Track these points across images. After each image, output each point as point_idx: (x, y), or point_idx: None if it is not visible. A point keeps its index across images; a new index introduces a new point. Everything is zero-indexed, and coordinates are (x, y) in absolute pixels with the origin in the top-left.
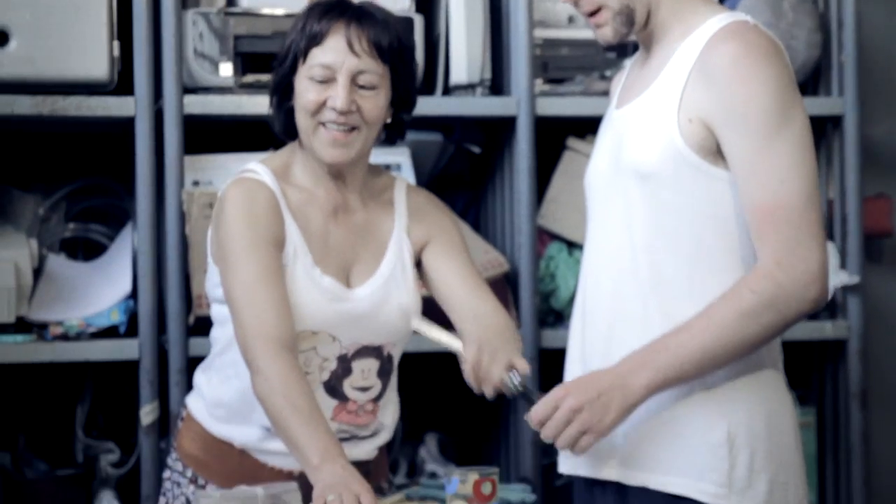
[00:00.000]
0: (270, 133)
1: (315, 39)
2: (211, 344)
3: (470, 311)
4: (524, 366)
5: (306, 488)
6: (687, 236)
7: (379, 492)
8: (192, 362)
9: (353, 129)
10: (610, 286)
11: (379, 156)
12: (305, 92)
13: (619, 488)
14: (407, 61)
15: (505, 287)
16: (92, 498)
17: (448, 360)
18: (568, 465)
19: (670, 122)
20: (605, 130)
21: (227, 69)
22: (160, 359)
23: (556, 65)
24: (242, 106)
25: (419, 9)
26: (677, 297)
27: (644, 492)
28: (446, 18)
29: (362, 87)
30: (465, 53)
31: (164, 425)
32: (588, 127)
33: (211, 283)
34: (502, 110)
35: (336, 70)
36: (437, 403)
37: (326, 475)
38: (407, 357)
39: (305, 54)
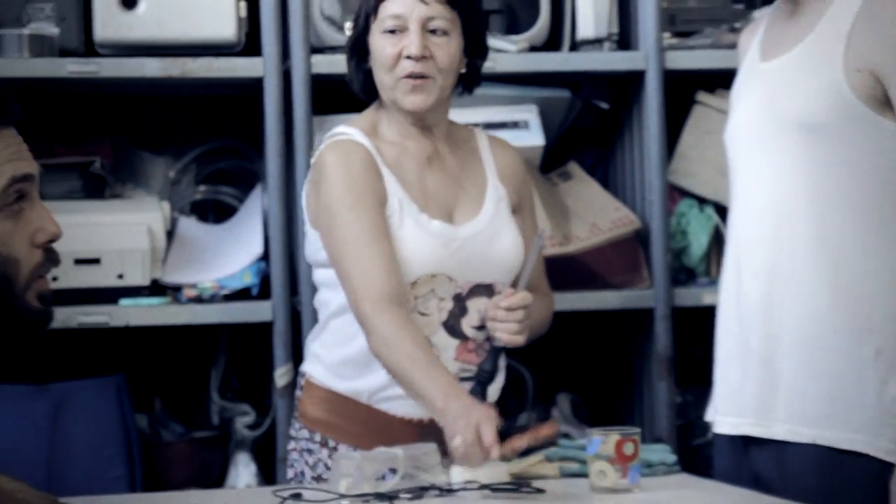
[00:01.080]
0: None
1: None
2: (317, 308)
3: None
4: None
5: (436, 436)
6: (853, 188)
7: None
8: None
9: (427, 77)
10: (768, 241)
11: (506, 113)
12: (381, 48)
13: (779, 447)
14: (475, 7)
15: (636, 245)
16: (228, 460)
17: (579, 320)
18: (728, 424)
19: (836, 73)
20: (749, 84)
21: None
22: (293, 320)
23: (684, 17)
24: None
25: None
26: (846, 249)
27: (811, 449)
28: None
29: (433, 32)
30: (591, 8)
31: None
32: (717, 80)
33: (312, 248)
34: (630, 65)
35: (407, 18)
36: (569, 364)
37: (451, 414)
38: None
39: (376, 10)
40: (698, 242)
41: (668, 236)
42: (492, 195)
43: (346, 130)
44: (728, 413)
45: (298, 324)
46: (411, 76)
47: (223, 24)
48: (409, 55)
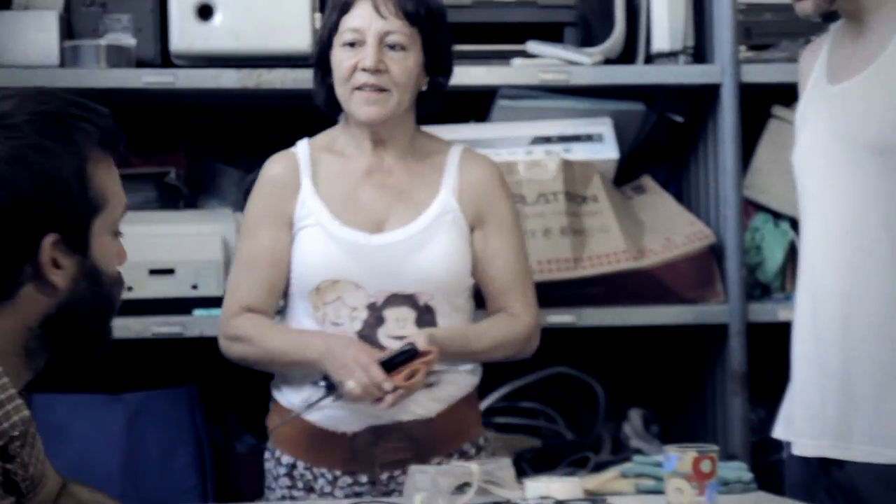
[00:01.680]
0: (475, 104)
1: (344, 8)
2: None
3: (495, 308)
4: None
5: (364, 448)
6: None
7: (463, 455)
8: None
9: (383, 90)
10: (844, 263)
11: (580, 126)
12: (339, 60)
13: (858, 468)
14: (437, 25)
15: (710, 259)
16: None
17: (652, 335)
18: (807, 446)
19: None
20: (817, 107)
21: None
22: None
23: (760, 30)
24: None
25: None
26: None
27: (890, 469)
28: None
29: (392, 47)
30: (667, 20)
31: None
32: (793, 94)
33: None
34: (706, 78)
35: (365, 32)
36: (641, 378)
37: (335, 358)
38: (608, 332)
39: (337, 24)
40: (773, 258)
41: (742, 251)
42: (435, 209)
43: (298, 143)
44: (807, 434)
45: None
46: (366, 87)
47: (298, 35)
48: (364, 67)
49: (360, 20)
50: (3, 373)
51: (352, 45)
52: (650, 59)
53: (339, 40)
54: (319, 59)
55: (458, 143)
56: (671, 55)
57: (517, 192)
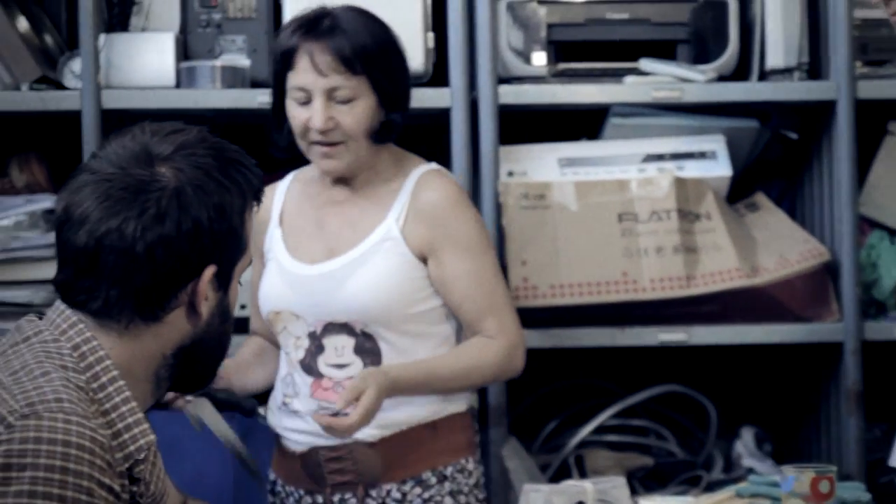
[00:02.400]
0: (588, 122)
1: (286, 63)
2: None
3: (470, 333)
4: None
5: (314, 466)
6: None
7: (420, 484)
8: None
9: (338, 143)
10: None
11: (693, 143)
12: (292, 116)
13: None
14: (385, 64)
15: (825, 277)
16: None
17: (765, 353)
18: None
19: None
20: None
21: (539, 58)
22: None
23: (877, 46)
24: (557, 95)
25: None
26: None
27: None
28: (761, 1)
29: (341, 102)
30: (781, 36)
31: (483, 417)
32: None
33: None
34: (821, 95)
35: (310, 90)
36: (754, 396)
37: None
38: (720, 349)
39: (284, 78)
40: (889, 275)
41: (857, 269)
42: (375, 237)
43: (289, 174)
44: None
45: None
46: (320, 142)
47: (411, 55)
48: (313, 127)
49: (304, 78)
50: (131, 397)
51: (302, 102)
52: (764, 75)
53: (289, 94)
54: (274, 108)
55: (428, 164)
56: (785, 71)
57: (630, 211)
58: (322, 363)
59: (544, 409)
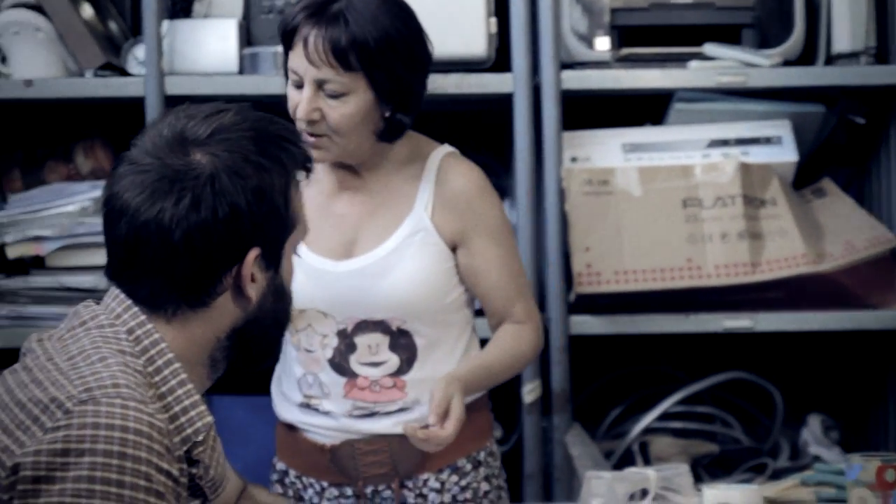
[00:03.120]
0: (651, 107)
1: (287, 41)
2: None
3: (498, 321)
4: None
5: (346, 460)
6: None
7: (456, 472)
8: (573, 340)
9: (322, 135)
10: None
11: (758, 129)
12: (288, 97)
13: None
14: (389, 62)
15: (892, 264)
16: None
17: (832, 340)
18: None
19: None
20: None
21: (603, 43)
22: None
23: None
24: (620, 80)
25: None
26: None
27: None
28: None
29: (330, 95)
30: (848, 20)
31: (547, 403)
32: None
33: None
34: (888, 79)
35: (302, 76)
36: (821, 384)
37: None
38: (787, 336)
39: (286, 55)
40: None
41: None
42: (405, 228)
43: None
44: None
45: (547, 341)
46: (307, 132)
47: (474, 40)
48: (296, 117)
49: (298, 62)
50: (187, 379)
51: (296, 85)
52: (830, 59)
53: (288, 73)
54: (286, 78)
55: (442, 147)
56: (852, 56)
57: (694, 196)
58: (355, 362)
59: (609, 395)
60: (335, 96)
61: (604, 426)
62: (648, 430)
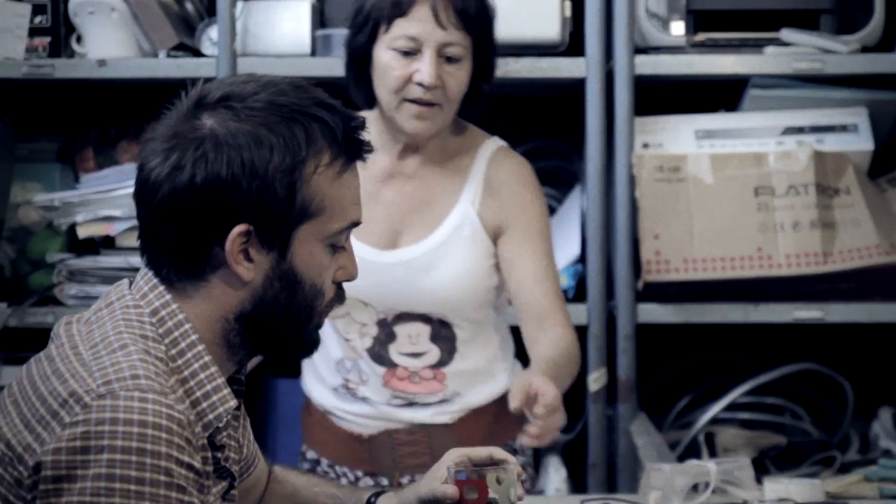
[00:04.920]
0: (726, 93)
1: (400, 7)
2: None
3: (535, 316)
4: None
5: (384, 449)
6: None
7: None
8: (641, 329)
9: (434, 104)
10: None
11: (835, 116)
12: (389, 67)
13: None
14: (489, 31)
15: None
16: (538, 463)
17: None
18: None
19: None
20: None
21: (678, 28)
22: (608, 324)
23: None
24: (694, 65)
25: None
26: None
27: None
28: None
29: (448, 59)
30: None
31: (612, 392)
32: None
33: None
34: None
35: (423, 42)
36: (892, 376)
37: None
38: (858, 328)
39: (389, 23)
40: None
41: None
42: (452, 221)
43: None
44: None
45: (613, 328)
46: (419, 102)
47: (547, 24)
48: (421, 82)
49: (419, 27)
50: (210, 362)
51: (405, 52)
52: None
53: (388, 42)
54: (356, 53)
55: (493, 139)
56: None
57: (766, 184)
58: (394, 352)
59: (676, 384)
60: (455, 60)
61: (671, 416)
62: (716, 421)
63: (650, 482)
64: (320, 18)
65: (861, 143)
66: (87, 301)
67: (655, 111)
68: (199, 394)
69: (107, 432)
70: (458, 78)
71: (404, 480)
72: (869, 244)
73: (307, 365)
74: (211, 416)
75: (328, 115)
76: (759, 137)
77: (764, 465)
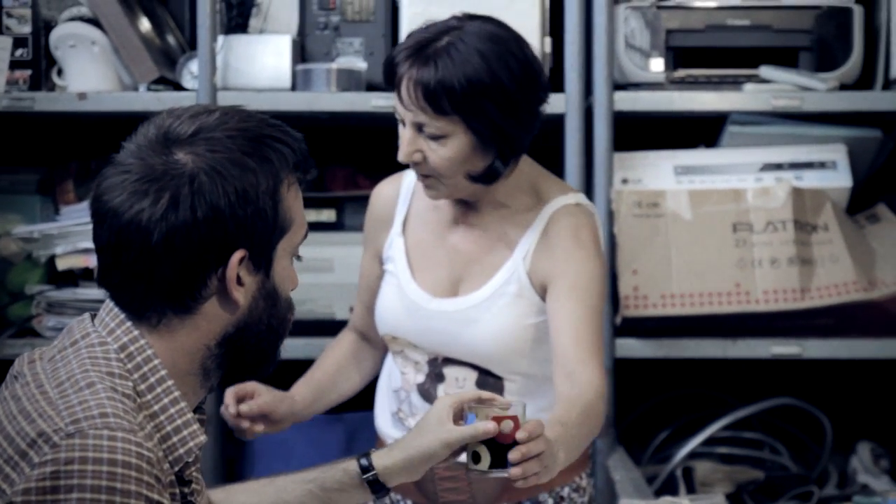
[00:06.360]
0: (705, 129)
1: (390, 81)
2: None
3: (563, 366)
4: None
5: (420, 481)
6: None
7: None
8: (619, 364)
9: (427, 175)
10: None
11: (813, 153)
12: (399, 135)
13: None
14: (484, 106)
15: None
16: None
17: (882, 368)
18: None
19: None
20: None
21: (657, 64)
22: None
23: None
24: (674, 102)
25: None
26: None
27: None
28: (888, 9)
29: (430, 137)
30: None
31: None
32: None
33: None
34: None
35: (403, 117)
36: (870, 411)
37: None
38: (836, 363)
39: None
40: None
41: None
42: (501, 277)
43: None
44: None
45: None
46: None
47: None
48: (398, 158)
49: (399, 103)
50: (181, 396)
51: (403, 124)
52: (889, 84)
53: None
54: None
55: (567, 196)
56: None
57: (745, 221)
58: (442, 392)
59: (655, 419)
60: (434, 138)
61: (649, 451)
62: (694, 455)
63: None
64: (301, 53)
65: (839, 179)
66: None
67: (635, 147)
68: (169, 428)
69: (76, 471)
70: (441, 154)
71: None
72: (847, 280)
73: (378, 390)
74: (181, 451)
75: (284, 136)
76: (738, 174)
77: (742, 500)
